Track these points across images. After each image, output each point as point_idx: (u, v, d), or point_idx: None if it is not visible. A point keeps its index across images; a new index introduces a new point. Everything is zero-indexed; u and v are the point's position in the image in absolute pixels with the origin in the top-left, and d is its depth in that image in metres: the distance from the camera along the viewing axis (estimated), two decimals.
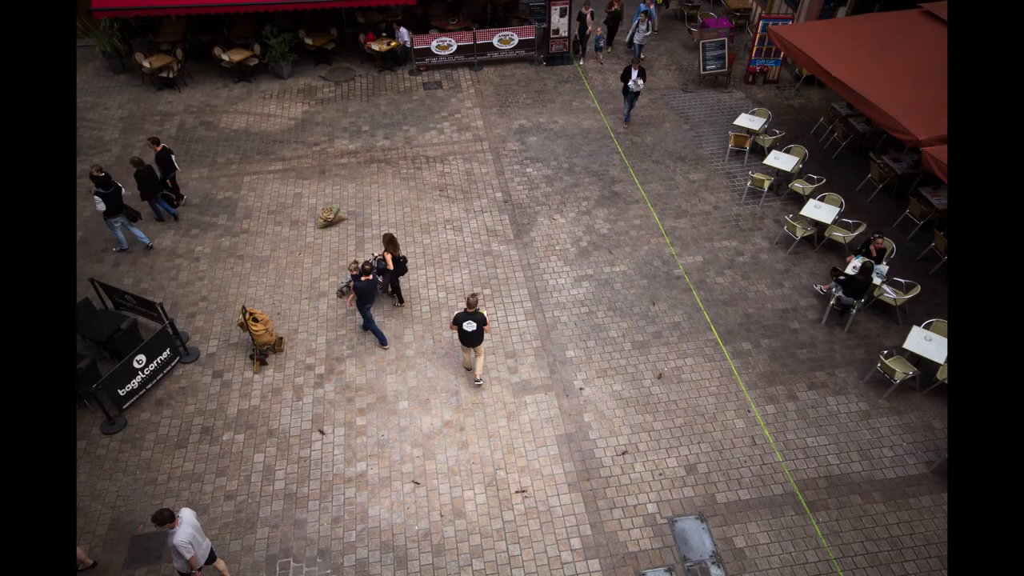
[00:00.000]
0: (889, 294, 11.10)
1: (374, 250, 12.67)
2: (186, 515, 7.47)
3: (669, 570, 8.39)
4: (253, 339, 10.50)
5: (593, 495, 9.17)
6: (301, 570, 8.44)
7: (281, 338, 11.06)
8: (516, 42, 18.10)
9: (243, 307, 10.50)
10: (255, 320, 10.49)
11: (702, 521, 8.89)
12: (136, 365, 10.03)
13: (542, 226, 13.40)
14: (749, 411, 10.19)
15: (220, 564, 8.09)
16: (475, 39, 17.81)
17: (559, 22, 17.70)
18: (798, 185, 13.68)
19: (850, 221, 12.72)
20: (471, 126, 16.15)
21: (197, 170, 14.77)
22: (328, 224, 13.30)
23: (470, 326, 9.85)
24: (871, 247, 11.51)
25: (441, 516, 8.96)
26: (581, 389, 10.46)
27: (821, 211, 12.59)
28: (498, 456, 9.61)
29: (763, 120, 15.09)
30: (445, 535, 8.77)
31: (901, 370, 9.98)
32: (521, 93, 17.34)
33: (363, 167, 14.89)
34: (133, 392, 10.11)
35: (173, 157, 13.16)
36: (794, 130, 15.80)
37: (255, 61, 17.49)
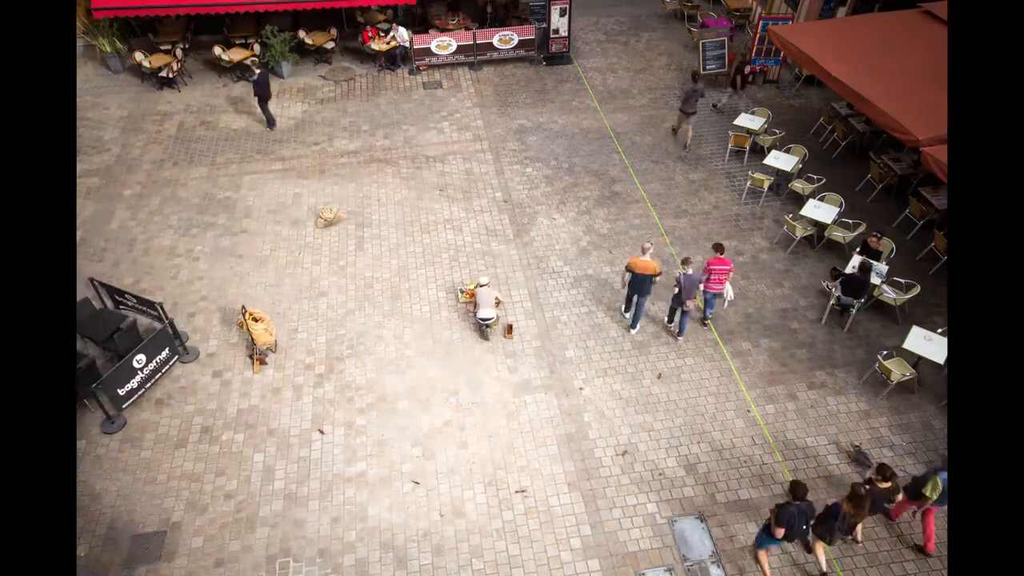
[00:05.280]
0: (889, 294, 11.10)
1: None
2: None
3: (669, 570, 8.39)
4: (253, 339, 10.50)
5: (593, 495, 9.17)
6: (301, 570, 8.44)
7: (275, 341, 11.02)
8: (516, 42, 18.09)
9: (243, 307, 10.50)
10: (255, 320, 10.49)
11: (702, 521, 8.89)
12: (136, 365, 10.04)
13: (542, 226, 13.39)
14: (749, 411, 10.20)
15: None
16: (475, 39, 17.80)
17: (559, 22, 17.69)
18: (798, 185, 13.68)
19: (850, 221, 12.71)
20: (471, 126, 16.14)
21: (197, 170, 14.77)
22: (328, 224, 13.30)
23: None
24: (869, 245, 11.56)
25: (441, 516, 8.96)
26: (581, 389, 10.46)
27: (821, 211, 12.58)
28: (498, 456, 9.61)
29: (763, 120, 15.09)
30: (445, 535, 8.77)
31: (899, 371, 9.98)
32: (521, 93, 17.34)
33: (363, 167, 14.89)
34: (132, 392, 10.11)
35: None
36: (794, 130, 15.79)
37: (255, 61, 17.47)
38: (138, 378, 10.14)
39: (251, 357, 10.83)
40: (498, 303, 10.96)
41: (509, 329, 11.13)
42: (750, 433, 9.91)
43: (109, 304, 11.41)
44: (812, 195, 13.23)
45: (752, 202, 13.92)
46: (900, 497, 8.22)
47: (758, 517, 8.92)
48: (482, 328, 11.04)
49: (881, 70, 12.31)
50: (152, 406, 10.26)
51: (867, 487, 7.69)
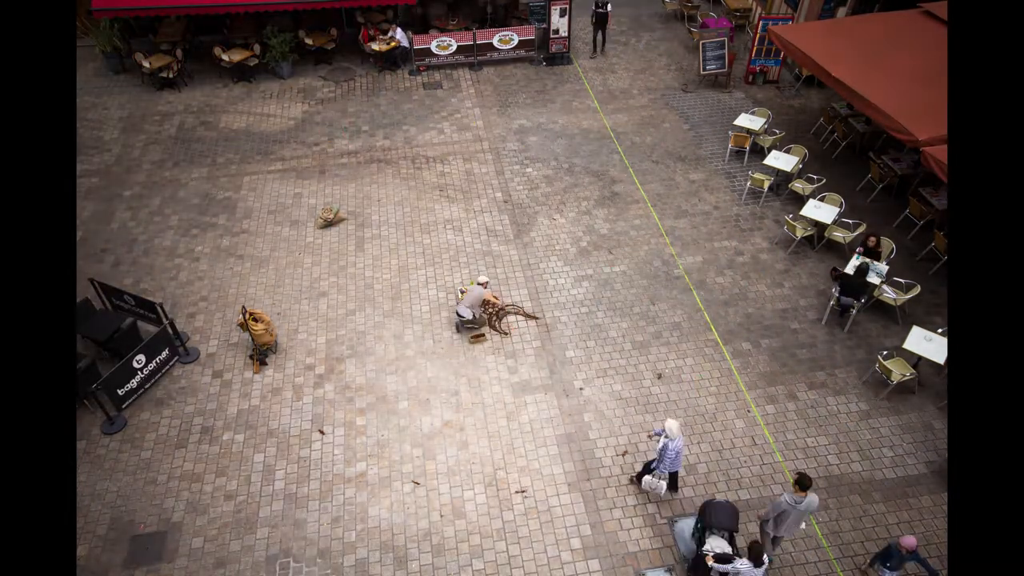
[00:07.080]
0: (889, 294, 11.10)
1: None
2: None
3: (669, 570, 8.38)
4: (253, 339, 10.50)
5: (593, 495, 9.17)
6: (301, 570, 8.44)
7: (275, 341, 11.04)
8: (516, 42, 18.09)
9: (243, 307, 10.50)
10: (255, 320, 10.49)
11: None
12: (136, 365, 10.04)
13: (542, 226, 13.40)
14: (749, 411, 10.19)
15: None
16: (475, 39, 17.81)
17: (559, 22, 17.69)
18: (798, 185, 13.68)
19: (850, 221, 12.71)
20: (471, 126, 16.14)
21: (197, 170, 14.77)
22: (328, 224, 13.30)
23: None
24: (867, 243, 11.57)
25: (441, 516, 8.96)
26: (581, 389, 10.46)
27: (821, 211, 12.58)
28: (498, 456, 9.61)
29: (763, 120, 15.09)
30: (445, 535, 8.77)
31: (899, 371, 9.98)
32: (521, 93, 17.34)
33: (363, 167, 14.89)
34: (132, 392, 10.11)
35: None
36: (794, 130, 15.79)
37: (255, 61, 17.49)
38: (138, 378, 10.14)
39: (251, 358, 10.83)
40: (487, 306, 10.80)
41: (477, 337, 11.02)
42: (750, 433, 9.91)
43: (109, 305, 11.40)
44: (812, 195, 13.23)
45: (752, 202, 13.92)
46: None
47: (758, 517, 8.91)
48: (457, 322, 11.04)
49: (881, 70, 12.32)
50: (152, 406, 10.26)
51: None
